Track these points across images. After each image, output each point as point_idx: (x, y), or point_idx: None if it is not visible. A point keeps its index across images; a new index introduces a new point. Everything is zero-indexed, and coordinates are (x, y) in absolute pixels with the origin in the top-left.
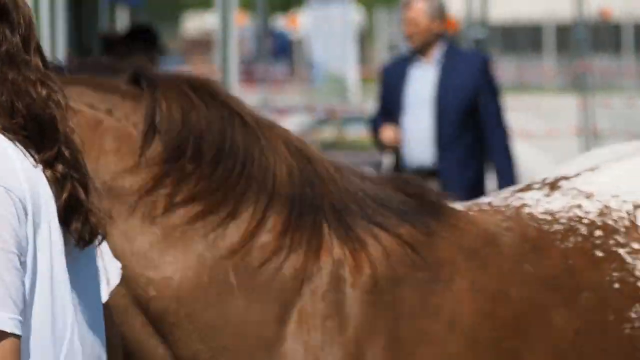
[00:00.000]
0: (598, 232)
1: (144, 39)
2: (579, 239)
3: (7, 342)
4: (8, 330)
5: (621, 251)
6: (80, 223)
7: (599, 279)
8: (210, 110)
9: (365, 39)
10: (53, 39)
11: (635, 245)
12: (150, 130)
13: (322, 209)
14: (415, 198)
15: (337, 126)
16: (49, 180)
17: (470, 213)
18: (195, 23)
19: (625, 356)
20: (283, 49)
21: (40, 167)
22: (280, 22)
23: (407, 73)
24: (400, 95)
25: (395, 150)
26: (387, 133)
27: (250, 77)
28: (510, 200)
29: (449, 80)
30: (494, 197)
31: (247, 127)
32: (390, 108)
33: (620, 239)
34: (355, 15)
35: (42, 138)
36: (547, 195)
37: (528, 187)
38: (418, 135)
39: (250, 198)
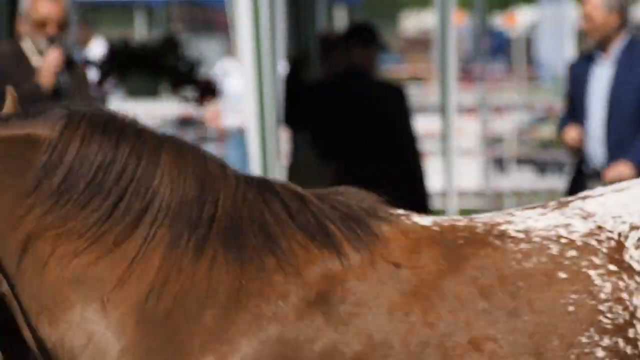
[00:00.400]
0: (571, 253)
1: (362, 38)
2: (543, 259)
3: None
4: None
5: (592, 272)
6: None
7: (549, 302)
8: (92, 145)
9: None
10: (273, 40)
11: (611, 267)
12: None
13: (206, 229)
14: (339, 213)
15: (556, 125)
16: None
17: (407, 228)
18: (414, 22)
19: None
20: (501, 48)
21: None
22: (498, 21)
23: (589, 71)
24: (583, 94)
25: (578, 151)
26: (569, 134)
27: (468, 75)
28: (497, 218)
29: (624, 77)
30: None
31: (131, 156)
32: (576, 107)
33: (597, 260)
34: (574, 13)
35: None
36: (543, 214)
37: (542, 205)
38: (595, 134)
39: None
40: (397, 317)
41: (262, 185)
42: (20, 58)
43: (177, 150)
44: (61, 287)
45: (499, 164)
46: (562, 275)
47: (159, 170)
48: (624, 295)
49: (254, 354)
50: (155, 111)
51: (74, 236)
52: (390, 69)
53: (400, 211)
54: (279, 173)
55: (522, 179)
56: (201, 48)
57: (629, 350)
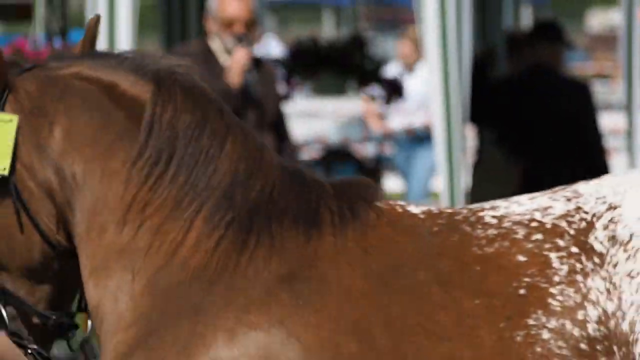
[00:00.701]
0: (537, 236)
1: (548, 36)
2: (506, 243)
3: None
4: None
5: (552, 255)
6: None
7: (502, 286)
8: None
9: None
10: (459, 38)
11: (573, 249)
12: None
13: (236, 212)
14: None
15: None
16: None
17: (393, 216)
18: (600, 19)
19: None
20: None
21: None
22: None
23: None
24: None
25: None
26: None
27: None
28: (490, 204)
29: None
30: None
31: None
32: None
33: (561, 243)
34: None
35: None
36: (533, 198)
37: (551, 190)
38: None
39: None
40: (355, 297)
41: (296, 175)
42: (209, 57)
43: (243, 135)
44: (110, 254)
45: None
46: (522, 258)
47: (223, 153)
48: (579, 278)
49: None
50: (343, 109)
51: (138, 206)
52: (576, 66)
53: (399, 202)
54: (464, 171)
55: None
56: (387, 47)
57: (575, 332)
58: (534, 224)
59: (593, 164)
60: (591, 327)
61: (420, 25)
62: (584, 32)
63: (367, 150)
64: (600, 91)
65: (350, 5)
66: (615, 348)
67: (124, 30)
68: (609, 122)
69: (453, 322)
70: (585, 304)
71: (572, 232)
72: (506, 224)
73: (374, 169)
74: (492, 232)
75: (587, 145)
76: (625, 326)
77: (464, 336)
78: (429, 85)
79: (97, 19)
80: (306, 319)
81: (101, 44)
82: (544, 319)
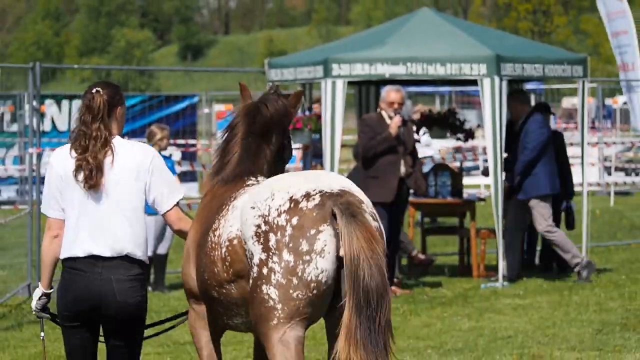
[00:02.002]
0: (234, 194)
1: (543, 110)
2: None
3: (53, 221)
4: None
5: (230, 204)
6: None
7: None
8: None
9: None
10: (500, 112)
11: (237, 203)
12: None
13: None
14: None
15: None
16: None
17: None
18: (569, 102)
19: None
20: None
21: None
22: None
23: None
24: None
25: None
26: None
27: None
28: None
29: None
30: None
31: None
32: None
33: (236, 202)
34: None
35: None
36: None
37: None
38: None
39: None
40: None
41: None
42: (382, 120)
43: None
44: (189, 238)
45: None
46: (223, 206)
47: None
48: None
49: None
50: (445, 145)
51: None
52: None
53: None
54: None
55: None
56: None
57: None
58: (241, 192)
59: (564, 174)
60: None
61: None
62: (561, 108)
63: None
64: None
65: (448, 93)
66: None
67: (340, 108)
68: (570, 152)
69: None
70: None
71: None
72: (241, 191)
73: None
74: (238, 193)
75: (562, 163)
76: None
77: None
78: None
79: (301, 92)
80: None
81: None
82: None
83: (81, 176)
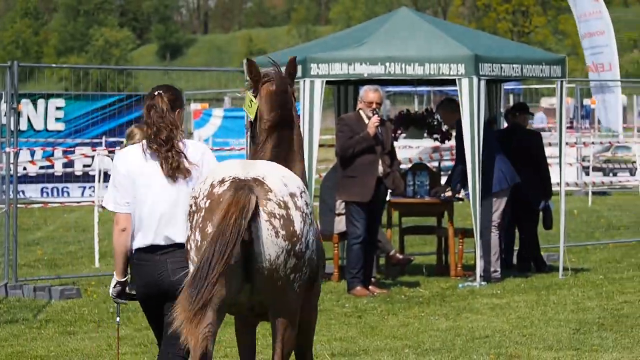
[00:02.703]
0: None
1: (521, 110)
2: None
3: (121, 216)
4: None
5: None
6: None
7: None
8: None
9: None
10: (478, 113)
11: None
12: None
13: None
14: None
15: None
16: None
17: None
18: (548, 102)
19: None
20: None
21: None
22: None
23: None
24: None
25: None
26: None
27: None
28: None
29: None
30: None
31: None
32: None
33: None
34: None
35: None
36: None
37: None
38: None
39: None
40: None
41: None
42: (360, 120)
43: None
44: None
45: None
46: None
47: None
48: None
49: None
50: (421, 145)
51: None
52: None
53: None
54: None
55: None
56: None
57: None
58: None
59: (542, 173)
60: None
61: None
62: (539, 107)
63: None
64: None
65: (426, 93)
66: None
67: (318, 108)
68: (549, 152)
69: None
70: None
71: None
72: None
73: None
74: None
75: (540, 162)
76: None
77: None
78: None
79: (294, 59)
80: None
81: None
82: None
83: (167, 169)
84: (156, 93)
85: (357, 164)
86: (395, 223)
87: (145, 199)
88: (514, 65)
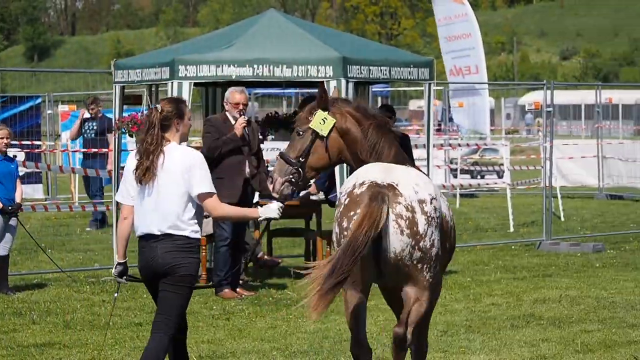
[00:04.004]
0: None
1: (387, 112)
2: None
3: (125, 207)
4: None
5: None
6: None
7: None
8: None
9: None
10: None
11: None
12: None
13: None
14: None
15: None
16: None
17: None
18: (415, 104)
19: None
20: None
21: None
22: None
23: None
24: None
25: None
26: None
27: None
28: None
29: None
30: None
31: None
32: None
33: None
34: None
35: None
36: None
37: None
38: None
39: None
40: None
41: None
42: (227, 121)
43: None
44: None
45: None
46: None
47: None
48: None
49: None
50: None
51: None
52: (401, 126)
53: None
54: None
55: None
56: None
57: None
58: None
59: None
60: None
61: None
62: (407, 110)
63: None
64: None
65: (294, 95)
66: None
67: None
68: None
69: None
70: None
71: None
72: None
73: None
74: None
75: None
76: None
77: None
78: None
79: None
80: None
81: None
82: None
83: (137, 173)
84: (153, 107)
85: (224, 165)
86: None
87: (143, 194)
88: (382, 68)
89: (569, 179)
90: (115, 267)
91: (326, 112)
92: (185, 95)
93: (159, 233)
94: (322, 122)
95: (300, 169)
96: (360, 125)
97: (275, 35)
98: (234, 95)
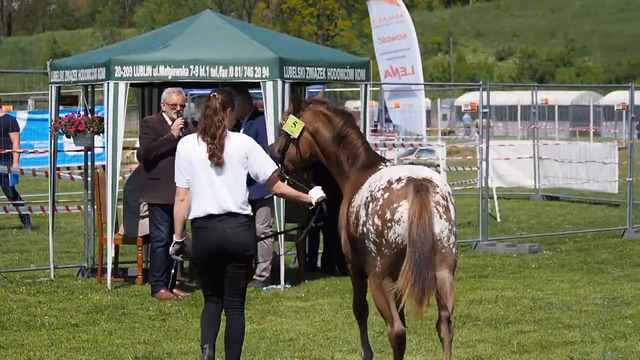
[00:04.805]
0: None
1: None
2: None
3: (181, 189)
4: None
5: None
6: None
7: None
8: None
9: None
10: (276, 115)
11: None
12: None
13: None
14: None
15: None
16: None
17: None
18: (353, 105)
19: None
20: None
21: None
22: None
23: None
24: None
25: None
26: None
27: None
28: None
29: None
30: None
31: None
32: None
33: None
34: None
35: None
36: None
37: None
38: None
39: None
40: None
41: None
42: (163, 122)
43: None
44: None
45: None
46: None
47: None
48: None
49: None
50: None
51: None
52: None
53: None
54: None
55: None
56: None
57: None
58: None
59: None
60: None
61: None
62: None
63: None
64: None
65: None
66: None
67: (121, 110)
68: None
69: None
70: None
71: (377, 181)
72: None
73: None
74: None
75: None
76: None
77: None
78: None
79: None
80: None
81: None
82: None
83: (211, 156)
84: (212, 95)
85: (161, 166)
86: None
87: (201, 177)
88: (319, 69)
89: (505, 179)
90: (173, 246)
91: (296, 117)
92: (122, 96)
93: (218, 213)
94: (293, 125)
95: (279, 163)
96: (330, 123)
97: (212, 36)
98: (170, 96)
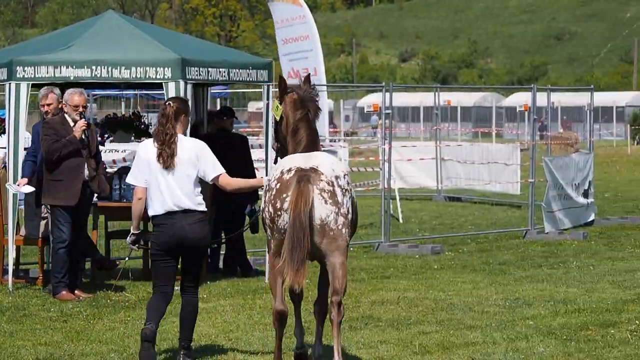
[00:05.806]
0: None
1: (227, 114)
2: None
3: (139, 189)
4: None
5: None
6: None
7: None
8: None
9: None
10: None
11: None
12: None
13: None
14: None
15: None
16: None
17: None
18: (255, 106)
19: None
20: None
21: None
22: None
23: None
24: None
25: None
26: None
27: None
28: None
29: None
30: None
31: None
32: None
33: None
34: None
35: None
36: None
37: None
38: None
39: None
40: None
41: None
42: (65, 123)
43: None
44: None
45: None
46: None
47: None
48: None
49: None
50: (132, 149)
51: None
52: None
53: None
54: None
55: None
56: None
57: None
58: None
59: (249, 177)
60: None
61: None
62: (247, 112)
63: None
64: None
65: (133, 96)
66: None
67: (23, 111)
68: (255, 155)
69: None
70: None
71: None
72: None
73: None
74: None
75: (246, 166)
76: None
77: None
78: None
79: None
80: None
81: None
82: None
83: (161, 160)
84: (167, 103)
85: (63, 167)
86: (101, 227)
87: (158, 178)
88: (221, 69)
89: (407, 180)
90: (130, 236)
91: (278, 102)
92: (23, 97)
93: (180, 210)
94: (276, 109)
95: (277, 141)
96: (294, 113)
97: (114, 36)
98: (72, 97)
